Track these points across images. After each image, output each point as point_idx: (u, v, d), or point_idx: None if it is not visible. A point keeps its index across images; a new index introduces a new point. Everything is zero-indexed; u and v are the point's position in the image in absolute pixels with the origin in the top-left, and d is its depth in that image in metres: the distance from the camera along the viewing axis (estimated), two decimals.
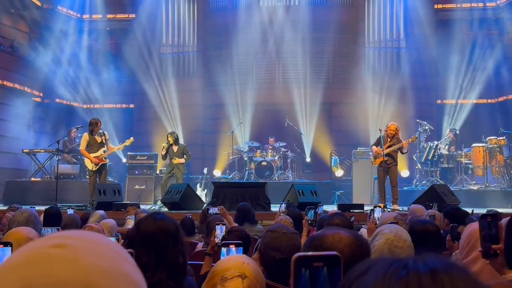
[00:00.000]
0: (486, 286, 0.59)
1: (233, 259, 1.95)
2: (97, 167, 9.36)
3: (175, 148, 10.14)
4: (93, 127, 9.39)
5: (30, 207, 4.51)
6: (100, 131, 9.53)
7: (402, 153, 9.32)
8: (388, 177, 9.21)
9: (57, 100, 15.16)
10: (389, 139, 9.16)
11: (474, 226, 2.42)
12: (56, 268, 0.60)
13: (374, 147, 9.47)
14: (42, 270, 0.60)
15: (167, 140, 10.18)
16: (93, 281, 0.60)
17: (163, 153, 10.13)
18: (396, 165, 9.33)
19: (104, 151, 9.42)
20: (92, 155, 9.33)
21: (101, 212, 5.81)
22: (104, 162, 9.46)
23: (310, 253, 0.89)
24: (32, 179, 12.24)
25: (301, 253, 0.89)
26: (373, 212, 5.48)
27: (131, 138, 10.13)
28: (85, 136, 9.51)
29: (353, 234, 1.54)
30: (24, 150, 12.65)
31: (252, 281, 1.79)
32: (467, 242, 2.38)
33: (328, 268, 0.88)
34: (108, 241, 0.68)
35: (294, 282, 0.87)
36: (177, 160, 10.06)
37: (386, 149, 9.09)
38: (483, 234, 2.03)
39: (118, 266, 0.63)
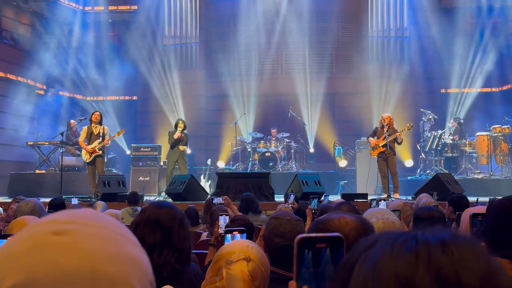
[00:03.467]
0: (494, 259, 0.58)
1: (238, 243, 1.96)
2: (91, 158, 9.57)
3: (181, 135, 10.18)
4: (91, 119, 9.79)
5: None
6: (103, 125, 9.80)
7: (398, 143, 9.26)
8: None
9: (60, 93, 15.18)
10: (384, 130, 9.16)
11: (472, 211, 2.44)
12: (60, 257, 0.56)
13: (371, 138, 9.54)
14: (45, 260, 0.56)
15: (179, 127, 10.13)
16: (100, 268, 0.57)
17: (177, 137, 10.02)
18: (394, 154, 9.35)
19: (99, 143, 9.63)
20: (88, 146, 9.60)
21: (103, 203, 5.95)
22: (97, 154, 9.61)
23: (313, 234, 0.89)
24: (37, 171, 12.29)
25: (304, 235, 0.89)
26: (378, 206, 5.48)
27: (122, 130, 10.46)
28: (84, 128, 9.89)
29: (359, 218, 1.54)
30: (28, 143, 12.69)
31: (257, 264, 1.79)
32: (465, 227, 2.39)
33: (331, 249, 0.88)
34: (109, 221, 0.63)
35: (297, 263, 0.87)
36: (183, 147, 10.10)
37: (382, 140, 9.13)
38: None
39: (124, 249, 0.60)
